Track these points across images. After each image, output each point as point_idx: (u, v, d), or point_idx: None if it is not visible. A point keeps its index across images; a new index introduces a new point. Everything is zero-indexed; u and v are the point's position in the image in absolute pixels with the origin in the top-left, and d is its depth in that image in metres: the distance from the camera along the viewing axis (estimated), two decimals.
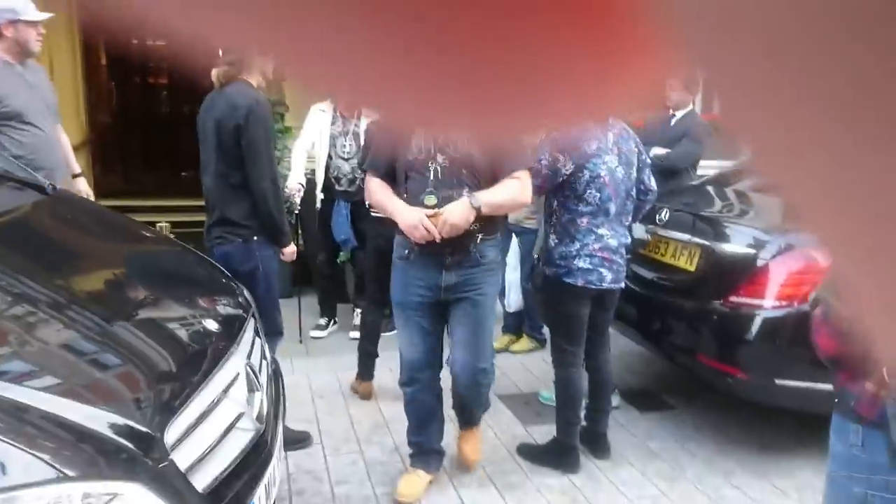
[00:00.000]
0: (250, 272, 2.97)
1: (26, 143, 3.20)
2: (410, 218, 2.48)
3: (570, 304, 2.98)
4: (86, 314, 1.70)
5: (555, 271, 2.93)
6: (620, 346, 3.83)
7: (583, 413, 3.21)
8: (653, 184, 3.05)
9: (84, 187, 3.76)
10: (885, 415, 1.25)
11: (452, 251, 2.57)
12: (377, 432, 3.42)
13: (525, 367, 4.33)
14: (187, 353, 1.76)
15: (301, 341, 4.66)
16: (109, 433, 1.27)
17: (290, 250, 3.13)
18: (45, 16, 3.37)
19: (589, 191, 2.79)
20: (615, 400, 3.59)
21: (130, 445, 1.29)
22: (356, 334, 4.53)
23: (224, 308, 2.21)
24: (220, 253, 2.95)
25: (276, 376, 2.41)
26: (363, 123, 4.31)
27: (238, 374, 1.83)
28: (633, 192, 2.95)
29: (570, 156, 2.76)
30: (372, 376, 3.86)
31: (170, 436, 1.42)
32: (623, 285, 3.05)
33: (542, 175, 2.78)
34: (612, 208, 2.83)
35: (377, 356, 3.85)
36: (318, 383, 3.98)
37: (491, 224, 2.63)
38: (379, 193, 2.65)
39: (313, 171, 4.71)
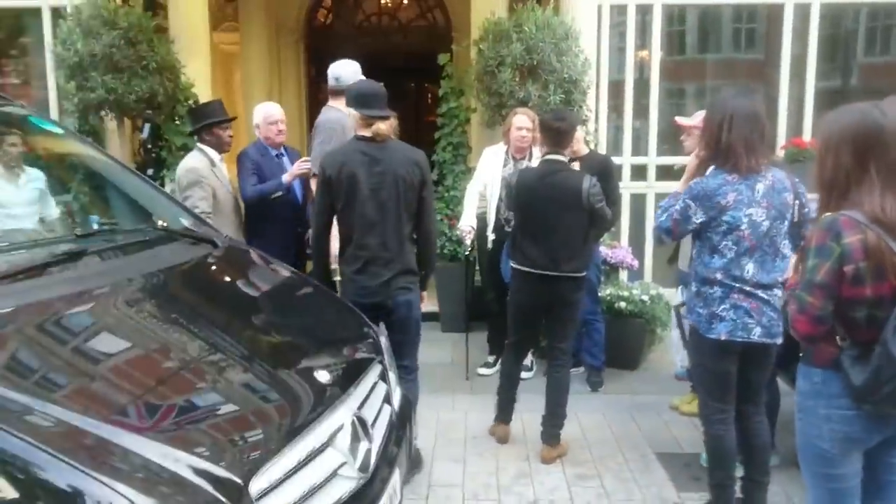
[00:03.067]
0: (418, 316, 3.34)
1: None
2: None
3: (711, 359, 2.81)
4: (202, 358, 1.95)
5: (696, 321, 2.80)
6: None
7: (738, 482, 2.96)
8: None
9: None
10: (840, 363, 2.00)
11: None
12: (519, 482, 3.41)
13: (695, 424, 4.05)
14: (295, 401, 1.93)
15: (468, 378, 4.80)
16: (191, 477, 1.45)
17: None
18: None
19: (725, 242, 2.68)
20: (774, 459, 3.26)
21: (212, 491, 1.47)
22: (486, 371, 4.78)
23: (348, 356, 2.38)
24: (403, 301, 3.24)
25: (402, 421, 2.52)
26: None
27: (343, 424, 1.97)
28: (788, 245, 2.76)
29: (703, 206, 2.68)
30: (510, 419, 3.87)
31: (257, 485, 1.58)
32: (780, 340, 2.77)
33: (672, 220, 2.75)
34: (751, 264, 2.68)
35: (516, 400, 3.86)
36: (474, 422, 4.05)
37: None
38: None
39: (485, 212, 4.88)
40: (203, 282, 2.39)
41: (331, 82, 4.32)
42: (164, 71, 5.62)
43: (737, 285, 2.69)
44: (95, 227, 2.50)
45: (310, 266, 4.14)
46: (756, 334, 2.71)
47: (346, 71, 4.29)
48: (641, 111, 6.52)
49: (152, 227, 2.50)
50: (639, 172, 6.50)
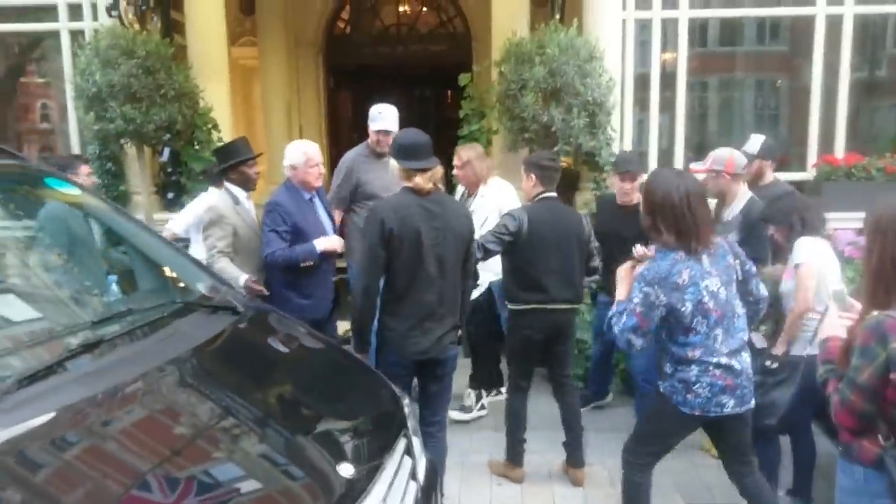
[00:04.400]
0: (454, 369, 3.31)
1: None
2: None
3: (674, 425, 2.85)
4: (229, 444, 1.89)
5: (669, 391, 2.79)
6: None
7: None
8: (762, 291, 2.92)
9: None
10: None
11: None
12: None
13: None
14: (322, 492, 1.86)
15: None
16: None
17: None
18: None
19: (696, 318, 2.66)
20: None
21: None
22: (462, 416, 4.61)
23: (375, 435, 2.31)
24: (451, 356, 3.25)
25: (427, 493, 2.45)
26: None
27: None
28: (741, 307, 2.79)
29: (662, 288, 2.63)
30: (521, 462, 3.86)
31: None
32: (752, 404, 2.82)
33: (636, 314, 2.66)
34: (720, 332, 2.69)
35: (525, 441, 3.86)
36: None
37: None
38: None
39: None
40: (226, 361, 2.33)
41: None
42: (182, 98, 5.58)
43: (713, 360, 2.69)
44: (111, 304, 2.43)
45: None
46: (729, 407, 2.73)
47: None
48: (668, 128, 6.38)
49: (169, 300, 2.43)
50: None
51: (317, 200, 4.06)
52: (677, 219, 2.63)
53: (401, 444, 2.32)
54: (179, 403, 2.00)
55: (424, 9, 10.28)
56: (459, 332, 3.32)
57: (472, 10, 9.32)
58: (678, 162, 6.31)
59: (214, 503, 1.67)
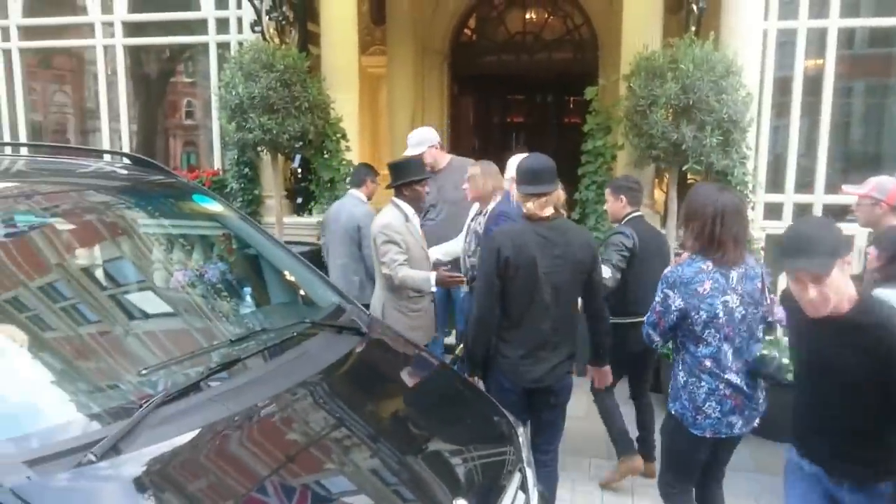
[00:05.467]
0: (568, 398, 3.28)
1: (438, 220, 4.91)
2: None
3: (688, 449, 2.86)
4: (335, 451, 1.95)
5: (680, 413, 2.81)
6: None
7: None
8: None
9: None
10: None
11: None
12: None
13: None
14: None
15: None
16: None
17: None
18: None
19: (707, 331, 2.71)
20: None
21: None
22: None
23: (491, 468, 2.31)
24: (566, 385, 3.23)
25: None
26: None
27: None
28: (761, 332, 2.83)
29: (680, 293, 2.71)
30: (633, 448, 3.96)
31: None
32: (756, 424, 2.86)
33: (655, 312, 2.81)
34: (729, 349, 2.72)
35: (627, 430, 3.96)
36: None
37: None
38: None
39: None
40: (351, 385, 2.40)
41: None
42: (315, 109, 5.84)
43: (724, 375, 2.72)
44: (247, 320, 2.57)
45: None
46: (737, 428, 2.79)
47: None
48: (810, 144, 5.97)
49: (300, 319, 2.53)
50: (803, 213, 5.94)
51: None
52: (706, 230, 2.70)
53: (516, 479, 2.30)
54: (307, 426, 2.07)
55: (551, 17, 10.19)
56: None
57: (600, 18, 9.14)
58: (820, 177, 5.89)
59: None
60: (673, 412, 2.85)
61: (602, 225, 5.69)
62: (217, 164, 7.18)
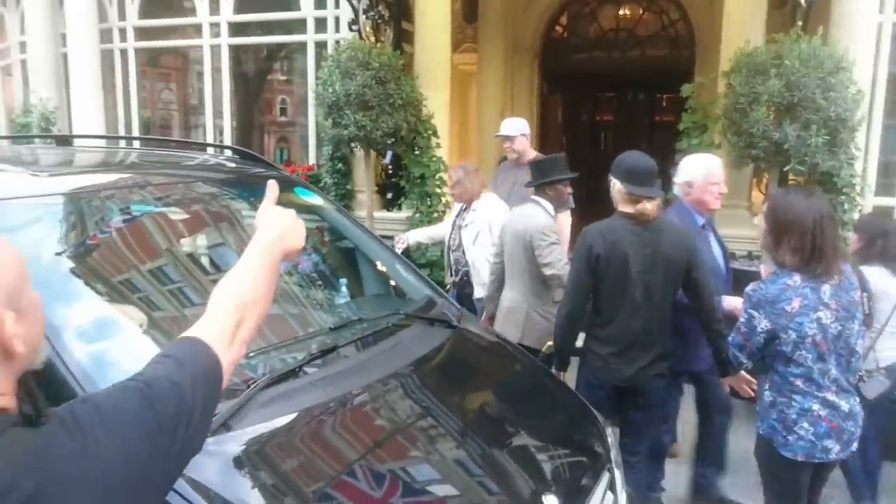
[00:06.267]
0: (664, 405, 3.23)
1: None
2: None
3: (784, 473, 2.63)
4: (425, 441, 1.99)
5: (769, 434, 2.60)
6: None
7: None
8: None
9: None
10: None
11: None
12: None
13: None
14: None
15: None
16: None
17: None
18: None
19: (799, 351, 2.49)
20: None
21: None
22: None
23: (579, 466, 2.30)
24: (657, 387, 3.14)
25: None
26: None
27: None
28: (860, 345, 2.61)
29: (766, 313, 2.52)
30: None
31: None
32: (855, 448, 2.61)
33: (741, 333, 2.62)
34: (826, 367, 2.50)
35: None
36: None
37: None
38: None
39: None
40: (442, 376, 2.45)
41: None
42: (407, 106, 5.94)
43: (819, 395, 2.51)
44: (344, 310, 2.66)
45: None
46: (834, 453, 2.54)
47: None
48: None
49: (393, 310, 2.61)
50: None
51: (711, 235, 3.52)
52: (808, 243, 2.48)
53: (604, 479, 2.29)
54: (397, 415, 2.13)
55: (646, 12, 9.95)
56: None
57: (698, 13, 8.85)
58: None
59: None
60: (761, 432, 2.66)
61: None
62: (312, 160, 7.43)
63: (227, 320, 1.18)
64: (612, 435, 2.56)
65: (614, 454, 2.50)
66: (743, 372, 3.00)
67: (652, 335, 3.05)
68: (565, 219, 4.31)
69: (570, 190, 3.97)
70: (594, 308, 3.09)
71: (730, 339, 2.73)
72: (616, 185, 3.02)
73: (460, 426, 2.23)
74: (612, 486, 2.34)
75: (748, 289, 2.60)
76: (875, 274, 3.39)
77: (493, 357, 2.78)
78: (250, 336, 1.25)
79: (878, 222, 3.68)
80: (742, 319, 2.61)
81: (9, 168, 2.24)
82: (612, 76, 10.85)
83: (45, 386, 1.66)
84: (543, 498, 1.96)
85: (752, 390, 3.03)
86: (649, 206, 2.95)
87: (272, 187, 1.48)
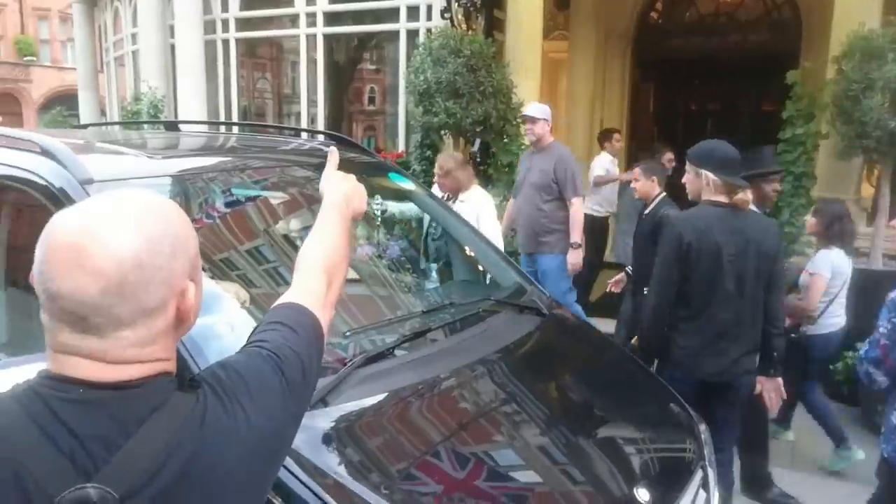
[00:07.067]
0: (751, 401, 3.07)
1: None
2: None
3: None
4: (511, 427, 1.99)
5: (892, 457, 2.39)
6: None
7: None
8: None
9: (574, 259, 4.79)
10: None
11: None
12: None
13: None
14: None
15: None
16: None
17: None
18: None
19: None
20: None
21: None
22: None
23: (672, 463, 2.25)
24: (746, 382, 3.04)
25: None
26: None
27: None
28: None
29: None
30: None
31: None
32: None
33: (881, 345, 2.37)
34: None
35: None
36: None
37: None
38: None
39: None
40: (530, 364, 2.44)
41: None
42: (497, 94, 5.92)
43: None
44: (436, 294, 2.69)
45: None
46: None
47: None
48: None
49: (484, 296, 2.62)
50: None
51: None
52: None
53: (697, 476, 2.22)
54: (485, 401, 2.14)
55: None
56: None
57: None
58: None
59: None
60: (886, 455, 2.47)
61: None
62: (401, 147, 7.52)
63: (319, 285, 1.21)
64: (705, 432, 2.48)
65: (708, 452, 2.42)
66: (779, 379, 2.95)
67: (744, 327, 2.95)
68: None
69: (775, 185, 3.82)
70: (681, 299, 3.00)
71: (862, 353, 2.52)
72: (706, 176, 2.92)
73: (547, 414, 2.22)
74: (705, 485, 2.27)
75: (893, 294, 2.38)
76: (834, 255, 3.92)
77: (583, 346, 2.75)
78: (337, 299, 1.27)
79: (834, 207, 4.03)
80: (882, 330, 2.37)
81: (128, 151, 2.38)
82: (710, 63, 10.42)
83: None
84: (635, 491, 1.92)
85: (781, 395, 3.04)
86: (743, 196, 2.88)
87: (333, 153, 1.54)
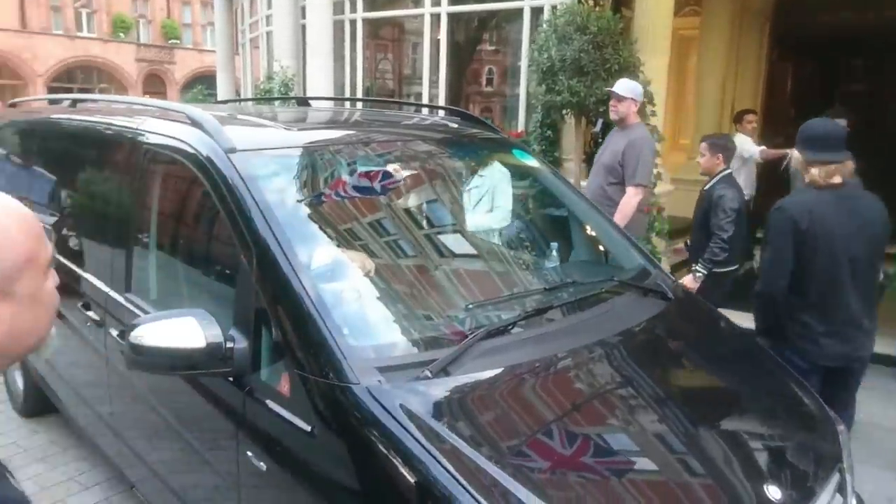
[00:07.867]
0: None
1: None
2: None
3: None
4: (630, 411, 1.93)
5: None
6: None
7: None
8: None
9: None
10: None
11: None
12: None
13: None
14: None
15: None
16: None
17: None
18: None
19: None
20: None
21: None
22: None
23: (809, 463, 2.11)
24: (863, 368, 3.02)
25: None
26: None
27: None
28: None
29: None
30: None
31: None
32: None
33: None
34: None
35: None
36: None
37: None
38: None
39: None
40: (653, 348, 2.37)
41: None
42: (623, 72, 5.71)
43: None
44: (557, 272, 2.65)
45: None
46: None
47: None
48: None
49: (607, 277, 2.55)
50: None
51: None
52: None
53: (834, 479, 2.07)
54: (601, 382, 2.10)
55: None
56: None
57: None
58: None
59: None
60: None
61: None
62: (521, 127, 7.45)
63: None
64: (843, 433, 2.31)
65: (846, 455, 2.26)
66: None
67: (864, 311, 2.89)
68: None
69: None
70: (798, 285, 2.90)
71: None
72: (797, 157, 2.88)
73: (668, 401, 2.13)
74: (841, 489, 2.12)
75: None
76: None
77: (710, 334, 2.62)
78: None
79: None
80: None
81: (266, 123, 2.50)
82: (859, 41, 9.59)
83: (291, 313, 1.86)
84: (765, 488, 1.81)
85: None
86: (815, 172, 2.78)
87: None
